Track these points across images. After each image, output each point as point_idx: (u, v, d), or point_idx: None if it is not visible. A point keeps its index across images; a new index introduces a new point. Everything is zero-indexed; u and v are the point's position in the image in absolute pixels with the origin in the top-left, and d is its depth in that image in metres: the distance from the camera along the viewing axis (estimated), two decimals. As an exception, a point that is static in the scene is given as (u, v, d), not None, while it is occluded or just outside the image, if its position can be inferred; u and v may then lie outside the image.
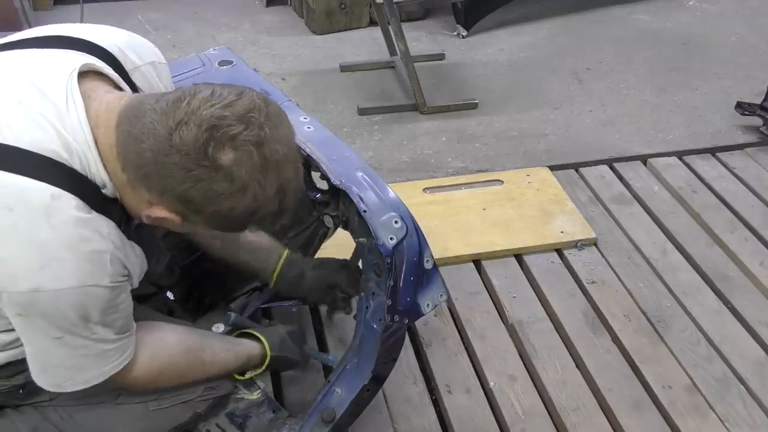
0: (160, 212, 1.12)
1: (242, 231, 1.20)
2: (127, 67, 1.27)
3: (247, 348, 1.56)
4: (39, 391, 1.38)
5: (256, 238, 1.68)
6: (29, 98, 1.13)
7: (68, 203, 1.10)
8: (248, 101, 1.08)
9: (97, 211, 1.14)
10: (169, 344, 1.41)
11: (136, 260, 1.24)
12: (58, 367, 1.22)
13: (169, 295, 1.81)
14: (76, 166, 1.12)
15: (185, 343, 1.44)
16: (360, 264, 1.67)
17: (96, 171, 1.13)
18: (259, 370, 1.59)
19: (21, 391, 1.38)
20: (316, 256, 1.91)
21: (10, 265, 1.09)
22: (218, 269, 1.82)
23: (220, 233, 1.26)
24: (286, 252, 1.70)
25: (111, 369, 1.26)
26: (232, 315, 1.66)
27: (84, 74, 1.17)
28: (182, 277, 1.81)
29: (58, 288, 1.10)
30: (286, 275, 1.68)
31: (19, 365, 1.32)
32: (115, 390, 1.42)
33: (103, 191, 1.15)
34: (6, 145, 1.10)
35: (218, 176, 1.06)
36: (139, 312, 1.43)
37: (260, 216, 1.13)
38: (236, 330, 1.64)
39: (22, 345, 1.22)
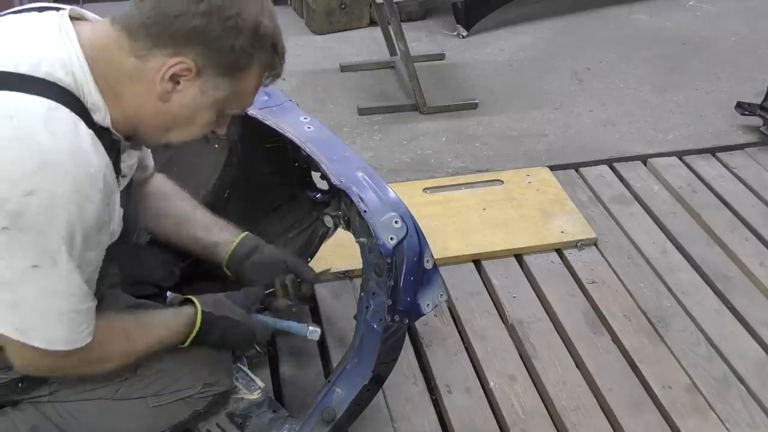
0: (173, 60, 1.16)
1: (247, 65, 1.21)
2: None
3: (184, 309, 1.49)
4: (38, 385, 1.39)
5: (209, 217, 1.67)
6: (26, 34, 1.18)
7: (66, 115, 1.13)
8: None
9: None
10: (108, 308, 1.39)
11: (116, 210, 1.25)
12: (29, 307, 1.18)
13: (169, 294, 1.81)
14: (72, 88, 1.15)
15: (124, 304, 1.45)
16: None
17: (89, 92, 1.17)
18: (195, 330, 1.47)
19: (20, 384, 1.38)
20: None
21: (7, 170, 1.10)
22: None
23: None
24: (243, 234, 1.66)
25: (76, 338, 1.23)
26: (169, 295, 1.62)
27: (74, 18, 1.22)
28: (182, 279, 1.81)
29: (54, 190, 1.10)
30: (239, 252, 1.64)
31: None
32: (114, 384, 1.42)
33: (94, 117, 1.18)
34: (4, 71, 1.14)
35: None
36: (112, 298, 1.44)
37: (261, 36, 1.20)
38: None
39: None
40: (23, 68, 1.14)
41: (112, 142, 1.22)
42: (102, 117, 1.19)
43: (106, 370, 1.38)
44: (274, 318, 1.66)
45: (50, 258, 1.14)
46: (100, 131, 1.19)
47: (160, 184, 1.66)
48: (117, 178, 1.25)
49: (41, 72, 1.14)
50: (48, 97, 1.13)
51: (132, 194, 1.45)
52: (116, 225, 1.27)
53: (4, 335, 1.21)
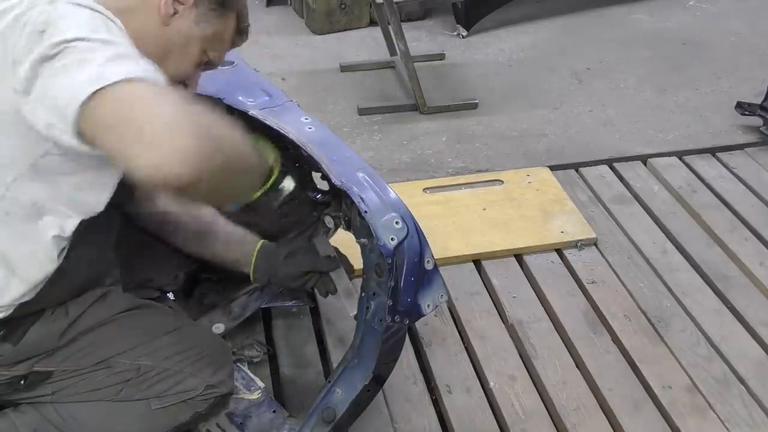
0: None
1: (231, 7, 1.36)
2: None
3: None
4: (40, 384, 1.39)
5: (229, 229, 1.69)
6: None
7: None
8: None
9: None
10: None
11: None
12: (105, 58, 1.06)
13: (170, 296, 1.82)
14: None
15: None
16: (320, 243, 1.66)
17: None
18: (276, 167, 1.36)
19: (22, 382, 1.38)
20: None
21: None
22: (218, 270, 1.82)
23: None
24: (259, 244, 1.69)
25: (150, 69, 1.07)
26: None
27: None
28: (185, 281, 1.82)
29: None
30: (261, 267, 1.67)
31: (23, 353, 1.33)
32: (116, 385, 1.42)
33: None
34: None
35: None
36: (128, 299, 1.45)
37: None
38: None
39: None
40: None
41: None
42: None
43: (186, 128, 1.01)
44: None
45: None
46: None
47: None
48: None
49: None
50: None
51: None
52: None
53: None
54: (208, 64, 1.40)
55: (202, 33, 1.34)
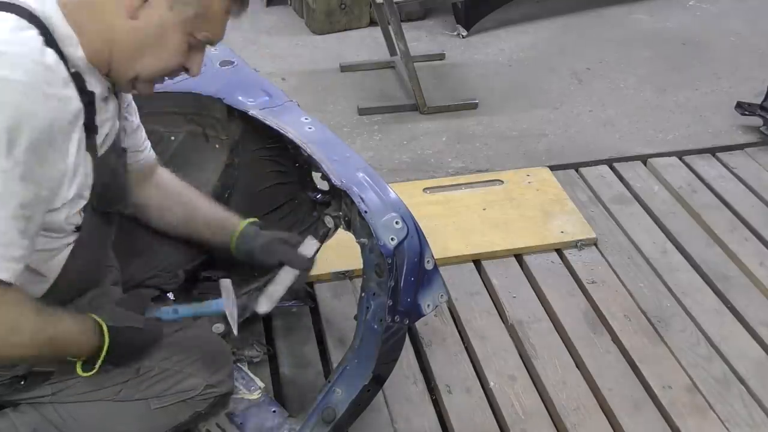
0: None
1: None
2: None
3: (88, 317, 1.33)
4: (40, 384, 1.39)
5: (212, 211, 1.68)
6: None
7: (34, 33, 1.14)
8: None
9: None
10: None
11: (75, 143, 1.20)
12: None
13: (170, 295, 1.82)
14: (41, 17, 1.16)
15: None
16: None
17: (57, 24, 1.18)
18: (105, 345, 1.33)
19: (22, 382, 1.38)
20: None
21: None
22: (218, 269, 1.82)
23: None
24: (239, 228, 1.66)
25: None
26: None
27: None
28: (186, 280, 1.82)
29: (7, 77, 1.09)
30: (240, 251, 1.66)
31: None
32: (116, 385, 1.42)
33: (67, 50, 1.18)
34: None
35: None
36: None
37: None
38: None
39: None
40: None
41: (83, 90, 1.21)
42: (74, 49, 1.20)
43: (16, 342, 1.19)
44: (174, 308, 1.56)
45: None
46: (74, 75, 1.19)
47: (166, 179, 1.67)
48: (91, 132, 1.25)
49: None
50: (20, 16, 1.14)
51: (122, 164, 1.45)
52: (80, 162, 1.23)
53: None
54: (208, 44, 1.29)
55: (180, 17, 1.21)
